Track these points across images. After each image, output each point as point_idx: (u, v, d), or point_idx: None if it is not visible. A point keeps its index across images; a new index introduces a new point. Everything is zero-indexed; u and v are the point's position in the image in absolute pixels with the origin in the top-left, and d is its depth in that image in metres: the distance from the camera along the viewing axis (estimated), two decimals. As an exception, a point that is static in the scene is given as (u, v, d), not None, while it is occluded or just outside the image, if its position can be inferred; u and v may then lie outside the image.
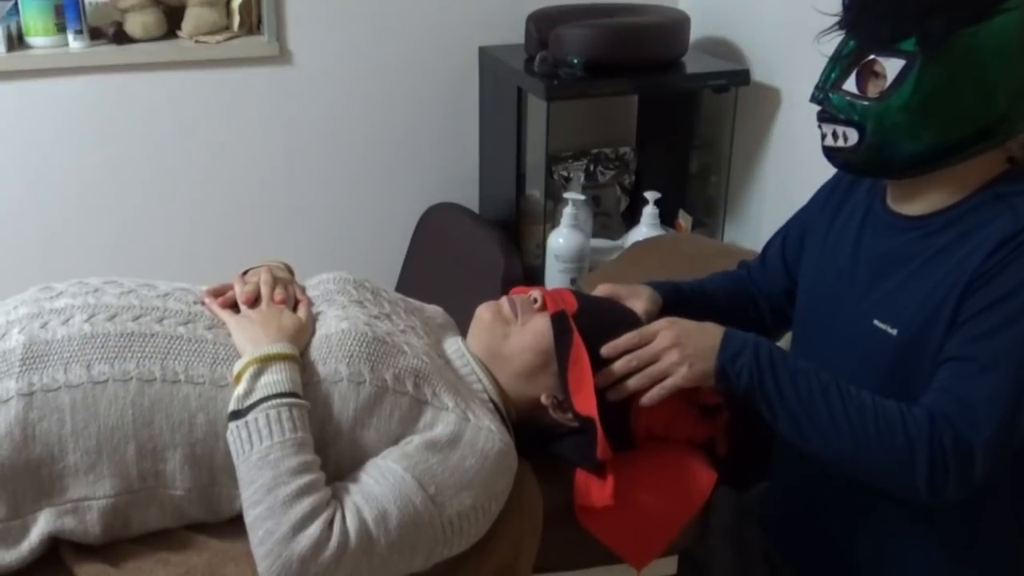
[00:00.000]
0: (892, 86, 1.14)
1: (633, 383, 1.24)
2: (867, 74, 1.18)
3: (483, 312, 1.34)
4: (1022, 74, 1.14)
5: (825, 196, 1.43)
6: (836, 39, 1.23)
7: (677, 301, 1.47)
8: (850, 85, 1.18)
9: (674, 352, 1.22)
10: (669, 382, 1.22)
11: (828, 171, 1.49)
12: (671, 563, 1.46)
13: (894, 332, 1.21)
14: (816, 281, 1.40)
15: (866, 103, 1.16)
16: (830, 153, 1.24)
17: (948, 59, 1.11)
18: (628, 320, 1.33)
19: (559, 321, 1.28)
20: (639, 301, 1.43)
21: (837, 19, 1.21)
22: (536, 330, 1.29)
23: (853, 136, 1.18)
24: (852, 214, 1.35)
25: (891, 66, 1.14)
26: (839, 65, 1.20)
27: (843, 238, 1.35)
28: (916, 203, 1.23)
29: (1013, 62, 1.13)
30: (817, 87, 1.22)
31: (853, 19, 1.19)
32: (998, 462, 1.12)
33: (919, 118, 1.14)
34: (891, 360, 1.22)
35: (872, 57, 1.16)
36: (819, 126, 1.23)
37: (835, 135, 1.21)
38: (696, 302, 1.51)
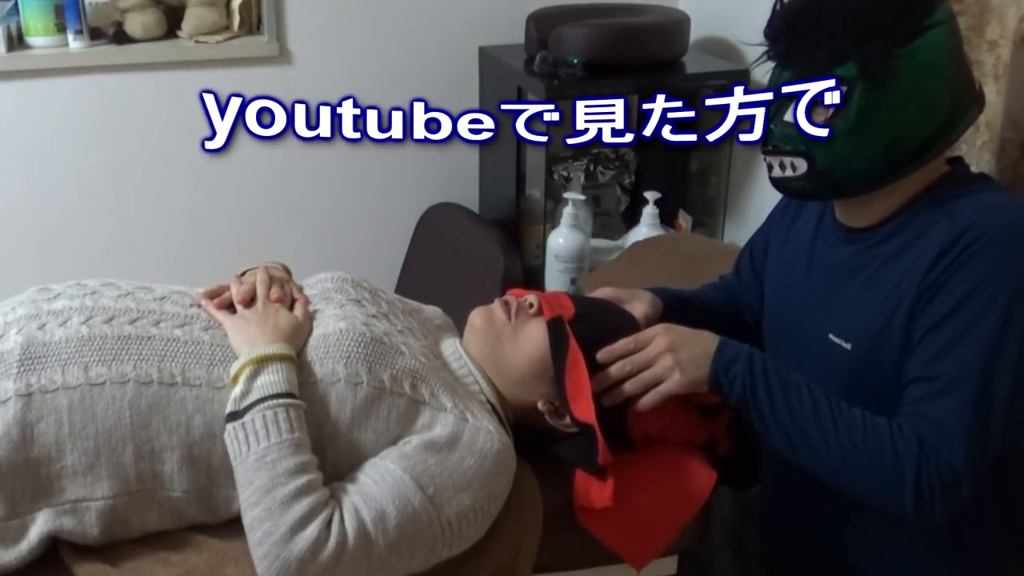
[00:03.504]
0: (836, 113, 1.14)
1: (628, 388, 1.25)
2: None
3: (475, 318, 1.34)
4: (957, 81, 1.16)
5: (785, 204, 1.44)
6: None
7: (676, 308, 1.48)
8: (791, 116, 1.18)
9: (668, 358, 1.22)
10: (663, 388, 1.23)
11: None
12: (671, 563, 1.46)
13: (848, 347, 1.23)
14: (776, 291, 1.41)
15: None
16: (779, 183, 1.24)
17: (888, 80, 1.12)
18: (625, 325, 1.33)
19: (555, 327, 1.28)
20: (640, 304, 1.43)
21: (765, 49, 1.21)
22: (532, 337, 1.29)
23: (802, 165, 1.18)
24: (806, 224, 1.36)
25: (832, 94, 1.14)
26: (777, 98, 1.20)
27: (798, 248, 1.36)
28: (861, 215, 1.24)
29: (948, 72, 1.15)
30: None
31: (784, 50, 1.19)
32: (978, 482, 1.12)
33: (866, 140, 1.14)
34: (848, 373, 1.23)
35: None
36: (764, 159, 1.24)
37: (782, 166, 1.21)
38: (694, 309, 1.51)
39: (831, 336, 1.25)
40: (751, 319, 1.55)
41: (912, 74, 1.12)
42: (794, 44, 1.17)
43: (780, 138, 1.20)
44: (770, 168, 1.23)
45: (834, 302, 1.26)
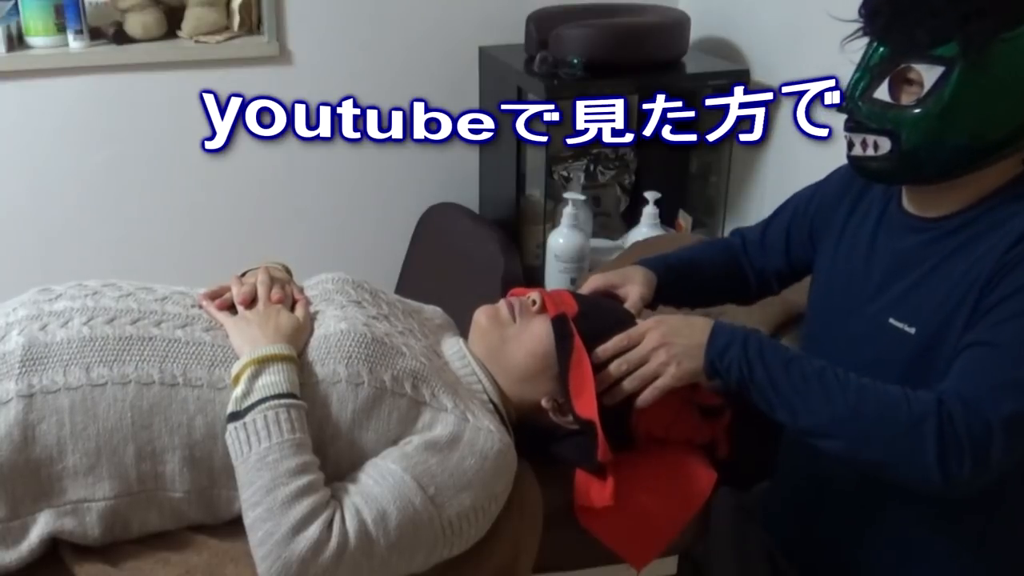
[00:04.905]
0: (930, 93, 1.12)
1: (627, 386, 1.25)
2: (900, 81, 1.16)
3: (480, 317, 1.34)
4: None
5: (842, 189, 1.41)
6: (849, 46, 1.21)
7: (671, 280, 1.47)
8: (882, 93, 1.16)
9: (662, 352, 1.22)
10: (660, 382, 1.23)
11: (826, 170, 1.48)
12: (671, 563, 1.46)
13: (912, 331, 1.20)
14: (831, 276, 1.39)
15: (900, 111, 1.15)
16: (859, 162, 1.21)
17: (987, 64, 1.10)
18: (628, 321, 1.33)
19: (560, 325, 1.28)
20: (635, 286, 1.43)
21: (859, 26, 1.19)
22: (537, 334, 1.29)
23: (885, 145, 1.16)
24: (868, 212, 1.34)
25: (928, 73, 1.12)
26: (869, 73, 1.18)
27: (859, 236, 1.34)
28: (935, 205, 1.22)
29: None
30: (846, 96, 1.20)
31: (884, 25, 1.16)
32: (1015, 450, 1.08)
33: (955, 124, 1.13)
34: (909, 357, 1.21)
35: (907, 64, 1.14)
36: (846, 136, 1.22)
37: (864, 144, 1.19)
38: (684, 276, 1.51)
39: (892, 320, 1.23)
40: (753, 281, 1.53)
41: (1012, 60, 1.10)
42: (895, 21, 1.15)
43: (867, 115, 1.18)
44: (850, 146, 1.21)
45: (897, 288, 1.24)
